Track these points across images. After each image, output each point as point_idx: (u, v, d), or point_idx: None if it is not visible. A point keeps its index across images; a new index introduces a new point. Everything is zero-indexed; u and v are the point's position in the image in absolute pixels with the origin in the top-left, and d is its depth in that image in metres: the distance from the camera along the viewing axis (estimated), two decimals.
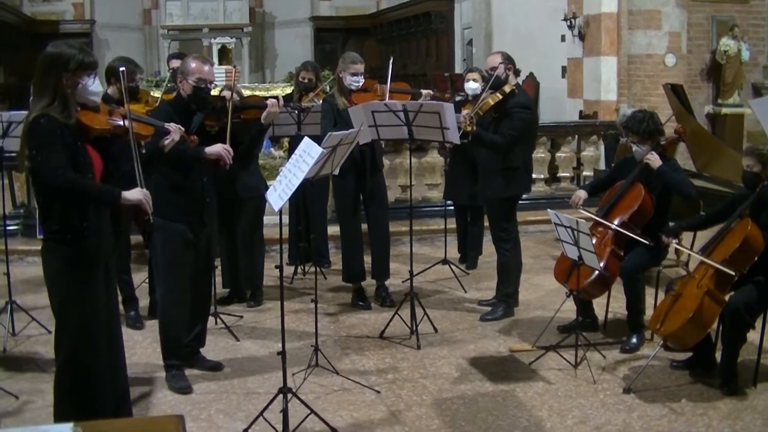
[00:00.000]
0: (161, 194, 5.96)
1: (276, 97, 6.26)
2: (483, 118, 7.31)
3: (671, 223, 6.85)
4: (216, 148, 5.92)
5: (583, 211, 7.10)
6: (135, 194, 4.78)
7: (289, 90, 12.27)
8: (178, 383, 6.10)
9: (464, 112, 7.28)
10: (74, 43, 4.79)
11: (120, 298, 7.34)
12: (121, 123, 4.89)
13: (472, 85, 8.78)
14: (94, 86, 4.77)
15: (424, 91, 8.15)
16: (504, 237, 7.62)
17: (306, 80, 9.21)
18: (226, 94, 6.24)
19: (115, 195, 4.73)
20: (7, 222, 8.41)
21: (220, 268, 7.95)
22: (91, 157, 4.74)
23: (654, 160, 6.67)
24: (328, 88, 9.20)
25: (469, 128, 7.12)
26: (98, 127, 4.77)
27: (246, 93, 9.21)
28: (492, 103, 7.26)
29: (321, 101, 8.52)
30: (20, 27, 22.38)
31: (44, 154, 4.51)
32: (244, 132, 6.23)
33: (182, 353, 6.23)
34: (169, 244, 6.01)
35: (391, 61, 8.04)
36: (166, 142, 5.46)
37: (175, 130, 5.47)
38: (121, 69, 5.52)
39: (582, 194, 7.15)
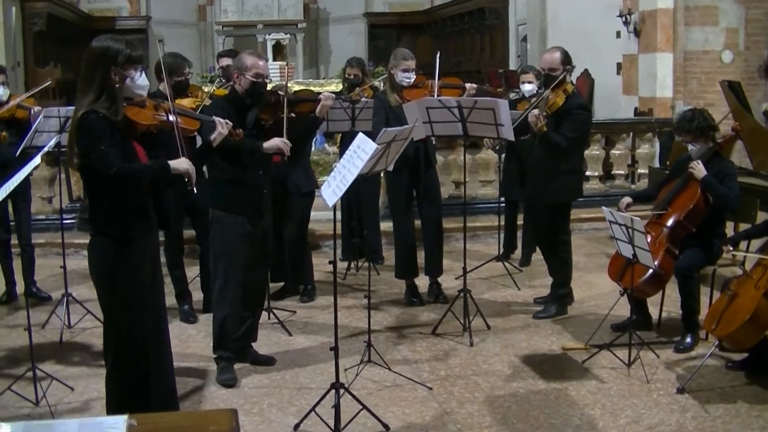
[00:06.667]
0: (219, 188, 6.04)
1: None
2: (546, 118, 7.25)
3: (731, 233, 6.72)
4: (274, 142, 6.03)
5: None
6: (182, 164, 4.77)
7: (341, 86, 12.34)
8: (223, 375, 6.15)
9: (534, 111, 7.19)
10: (119, 38, 4.80)
11: (174, 293, 7.46)
12: (167, 118, 4.92)
13: (527, 87, 8.75)
14: (141, 80, 4.79)
15: (467, 85, 7.97)
16: (563, 239, 7.59)
17: (352, 76, 9.34)
18: (280, 88, 6.28)
19: (167, 167, 4.74)
20: (64, 216, 8.50)
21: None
22: (138, 153, 4.78)
23: (698, 170, 6.60)
24: (377, 84, 9.20)
25: (545, 129, 7.08)
26: (144, 123, 4.78)
27: (299, 88, 9.26)
28: (560, 103, 7.17)
29: (368, 96, 8.53)
30: (77, 23, 22.60)
31: (98, 149, 4.52)
32: (297, 126, 6.27)
33: (233, 346, 6.26)
34: (228, 235, 6.05)
35: (437, 55, 7.92)
36: (214, 135, 5.50)
37: (222, 124, 5.50)
38: (166, 62, 5.58)
39: (627, 199, 7.04)
